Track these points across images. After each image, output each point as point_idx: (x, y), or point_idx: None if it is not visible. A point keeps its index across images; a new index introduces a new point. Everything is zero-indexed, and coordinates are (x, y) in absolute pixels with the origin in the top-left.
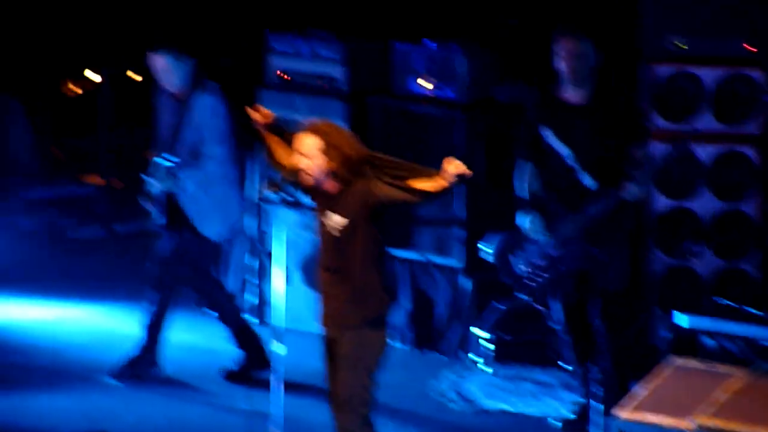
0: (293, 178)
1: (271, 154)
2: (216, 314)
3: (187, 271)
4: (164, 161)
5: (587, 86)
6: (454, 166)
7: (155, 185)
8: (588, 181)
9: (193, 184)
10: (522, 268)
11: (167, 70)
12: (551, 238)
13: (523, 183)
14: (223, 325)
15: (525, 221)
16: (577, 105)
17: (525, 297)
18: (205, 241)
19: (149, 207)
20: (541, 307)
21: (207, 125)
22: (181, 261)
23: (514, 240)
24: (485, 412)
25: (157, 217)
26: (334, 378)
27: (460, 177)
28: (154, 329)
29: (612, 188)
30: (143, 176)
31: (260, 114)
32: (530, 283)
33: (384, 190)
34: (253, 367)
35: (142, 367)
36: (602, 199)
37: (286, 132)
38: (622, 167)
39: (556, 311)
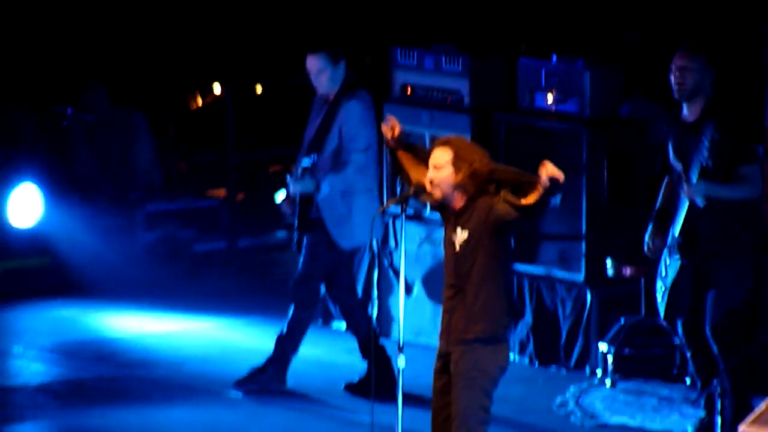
0: (420, 193)
1: (399, 168)
2: (347, 323)
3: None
4: (306, 160)
5: (697, 103)
6: (546, 171)
7: (293, 185)
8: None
9: (330, 187)
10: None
11: (321, 71)
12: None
13: (661, 198)
14: (353, 335)
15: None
16: (689, 122)
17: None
18: (338, 249)
19: (284, 207)
20: (664, 322)
21: (352, 131)
22: (319, 272)
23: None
24: (607, 426)
25: (289, 217)
26: (441, 393)
27: (553, 182)
28: (288, 344)
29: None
30: (286, 177)
31: (390, 125)
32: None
33: (505, 207)
34: (378, 380)
35: (268, 380)
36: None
37: (415, 146)
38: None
39: (679, 327)
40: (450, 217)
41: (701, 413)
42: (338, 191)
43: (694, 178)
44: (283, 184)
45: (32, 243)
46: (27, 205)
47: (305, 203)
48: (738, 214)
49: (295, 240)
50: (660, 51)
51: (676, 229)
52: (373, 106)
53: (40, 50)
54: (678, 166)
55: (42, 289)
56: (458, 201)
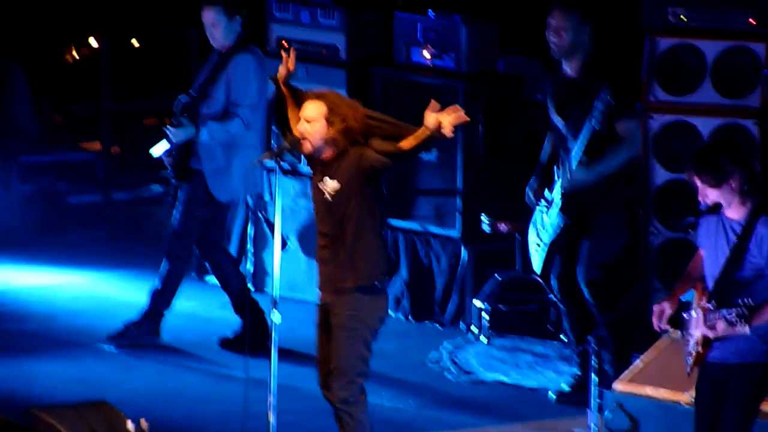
0: (295, 146)
1: (282, 109)
2: (219, 280)
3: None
4: (183, 96)
5: (576, 59)
6: (434, 117)
7: (173, 133)
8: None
9: (210, 135)
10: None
11: (214, 24)
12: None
13: (543, 152)
14: (225, 292)
15: (529, 190)
16: (569, 78)
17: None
18: (214, 202)
19: (165, 159)
20: (540, 279)
21: (241, 86)
22: (193, 227)
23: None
24: (482, 382)
25: (167, 170)
26: (325, 345)
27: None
28: (160, 299)
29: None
30: (165, 127)
31: (289, 55)
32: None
33: (375, 155)
34: (251, 335)
35: (141, 334)
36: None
37: (298, 91)
38: (609, 140)
39: (554, 282)
40: (317, 165)
41: (576, 370)
42: (219, 143)
43: (577, 147)
44: (160, 137)
45: None
46: None
47: (183, 153)
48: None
49: (171, 193)
50: (536, 6)
51: (557, 189)
52: (264, 63)
53: None
54: (560, 122)
55: None
56: (328, 153)
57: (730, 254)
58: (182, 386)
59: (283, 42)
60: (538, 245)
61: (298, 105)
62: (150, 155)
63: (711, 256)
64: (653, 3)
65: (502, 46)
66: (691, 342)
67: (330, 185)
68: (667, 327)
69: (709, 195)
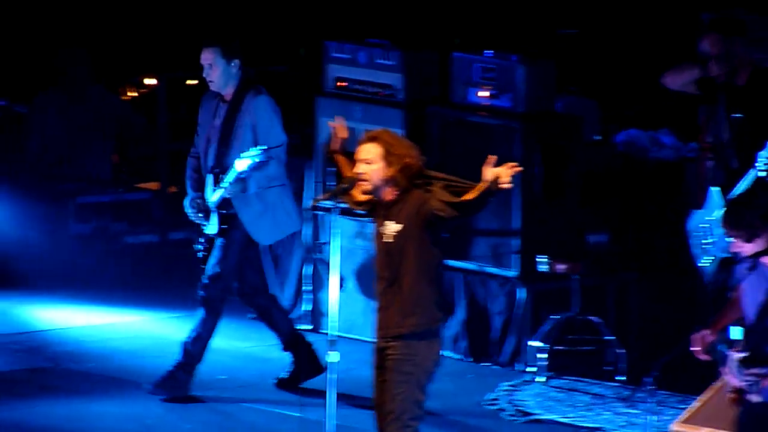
0: (353, 187)
1: (338, 171)
2: (265, 322)
3: (235, 280)
4: (256, 152)
5: (743, 71)
6: (491, 172)
7: (216, 191)
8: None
9: (256, 184)
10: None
11: (213, 65)
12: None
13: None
14: (273, 332)
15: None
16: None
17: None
18: (255, 246)
19: (200, 219)
20: (596, 318)
21: (268, 127)
22: (231, 272)
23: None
24: (539, 423)
25: (211, 227)
26: (382, 389)
27: (496, 183)
28: (196, 351)
29: None
30: (209, 185)
31: (339, 127)
32: None
33: (438, 203)
34: (305, 374)
35: (177, 385)
36: None
37: (350, 153)
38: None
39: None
40: (380, 210)
41: (632, 410)
42: (259, 187)
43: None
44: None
45: None
46: None
47: (220, 206)
48: None
49: (203, 246)
50: (594, 46)
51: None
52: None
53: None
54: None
55: None
56: (388, 194)
57: (764, 302)
58: (239, 426)
59: (331, 125)
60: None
61: (352, 162)
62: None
63: (749, 300)
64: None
65: (559, 86)
66: (728, 381)
67: (390, 228)
68: (707, 356)
69: (745, 248)
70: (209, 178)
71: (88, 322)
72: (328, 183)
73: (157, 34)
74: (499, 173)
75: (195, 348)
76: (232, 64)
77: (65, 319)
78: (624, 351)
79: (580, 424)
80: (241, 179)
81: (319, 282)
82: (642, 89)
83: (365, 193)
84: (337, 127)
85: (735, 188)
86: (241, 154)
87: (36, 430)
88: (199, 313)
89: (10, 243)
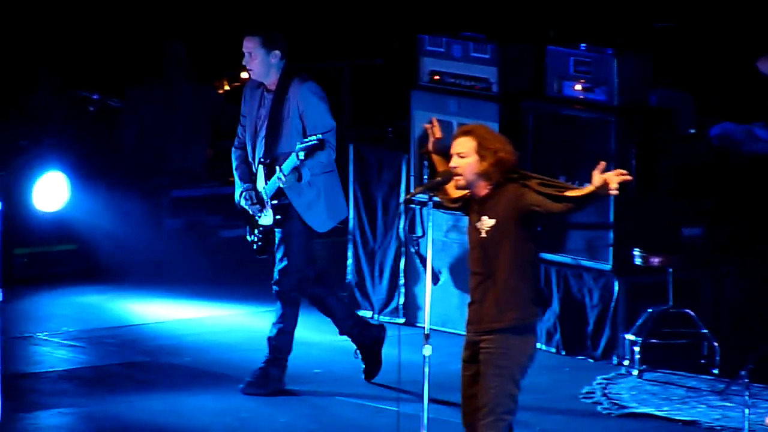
0: (448, 180)
1: (434, 170)
2: (321, 311)
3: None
4: (307, 144)
5: None
6: (600, 177)
7: (274, 183)
8: None
9: (310, 171)
10: None
11: (253, 53)
12: None
13: None
14: (330, 319)
15: None
16: None
17: None
18: (313, 234)
19: (255, 210)
20: (690, 312)
21: (317, 114)
22: (301, 262)
23: None
24: (634, 416)
25: (266, 218)
26: (472, 382)
27: (609, 184)
28: (283, 344)
29: None
30: (261, 176)
31: (435, 129)
32: None
33: (536, 197)
34: (367, 363)
35: (269, 382)
36: None
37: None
38: None
39: None
40: (474, 205)
41: (727, 403)
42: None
43: None
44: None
45: (58, 228)
46: (53, 191)
47: (273, 197)
48: None
49: (257, 238)
50: (689, 39)
51: None
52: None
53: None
54: None
55: (67, 274)
56: (482, 189)
57: None
58: (334, 420)
59: (426, 126)
60: None
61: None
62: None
63: None
64: None
65: (655, 79)
66: None
67: (485, 222)
68: None
69: None
70: (261, 169)
71: (183, 316)
72: (423, 176)
73: (252, 27)
74: (609, 179)
75: (280, 342)
76: (272, 54)
77: (161, 313)
78: (718, 344)
79: (675, 417)
80: (296, 168)
81: (413, 275)
82: (738, 82)
83: (459, 187)
84: (430, 127)
85: None
86: (299, 144)
87: (133, 424)
88: (277, 308)
89: (105, 237)
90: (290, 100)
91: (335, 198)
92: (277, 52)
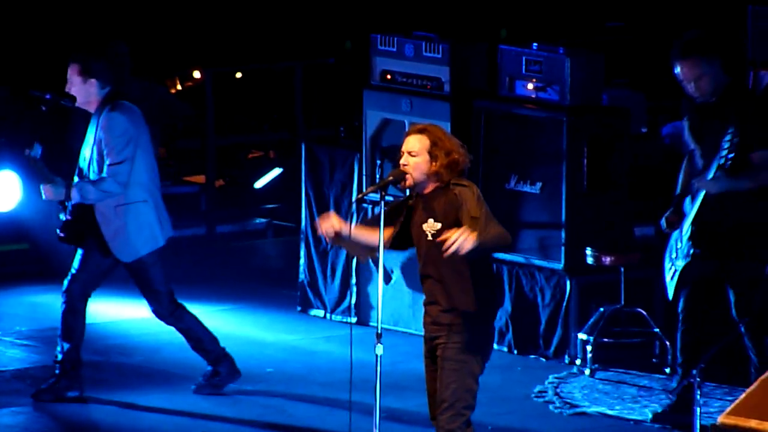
0: (399, 180)
1: (362, 249)
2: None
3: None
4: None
5: (715, 92)
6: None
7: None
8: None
9: (80, 195)
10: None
11: (70, 81)
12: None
13: (679, 182)
14: (62, 338)
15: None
16: (708, 103)
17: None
18: (111, 261)
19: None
20: (642, 311)
21: (111, 143)
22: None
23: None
24: (586, 415)
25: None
26: (434, 378)
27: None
28: (205, 342)
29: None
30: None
31: (328, 228)
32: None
33: (467, 218)
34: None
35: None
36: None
37: (364, 226)
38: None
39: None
40: (419, 205)
41: (678, 402)
42: (110, 205)
43: (712, 169)
44: (263, 171)
45: (11, 228)
46: (6, 190)
47: (78, 215)
48: (756, 207)
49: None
50: (641, 39)
51: (690, 217)
52: (139, 119)
53: (23, 32)
54: (693, 146)
55: (20, 274)
56: (429, 190)
57: None
58: (287, 419)
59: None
60: (672, 274)
61: (369, 226)
62: (253, 188)
63: None
64: (757, 36)
65: (607, 79)
66: None
67: (432, 225)
68: None
69: None
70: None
71: (136, 315)
72: (375, 176)
73: (204, 26)
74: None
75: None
76: (89, 82)
77: (113, 312)
78: (670, 343)
79: (627, 417)
80: (74, 186)
81: (365, 275)
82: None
83: (406, 186)
84: (322, 228)
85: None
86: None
87: (85, 423)
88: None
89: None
90: (99, 128)
91: (141, 229)
92: (93, 80)
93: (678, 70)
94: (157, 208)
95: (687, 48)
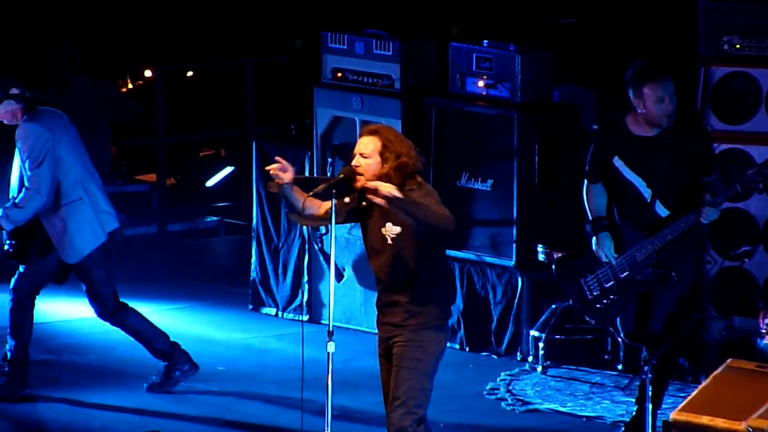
0: (351, 178)
1: (301, 207)
2: (11, 320)
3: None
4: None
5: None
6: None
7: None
8: (662, 209)
9: (7, 218)
10: (594, 293)
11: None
12: (624, 262)
13: (600, 203)
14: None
15: (604, 245)
16: (648, 137)
17: (593, 322)
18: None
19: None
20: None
21: (25, 153)
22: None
23: (587, 263)
24: (538, 412)
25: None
26: (389, 377)
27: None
28: (149, 336)
29: (689, 213)
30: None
31: (282, 169)
32: (600, 307)
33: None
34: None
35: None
36: (679, 224)
37: (311, 178)
38: (695, 193)
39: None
40: (376, 209)
41: (631, 399)
42: (50, 209)
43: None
44: (215, 169)
45: None
46: None
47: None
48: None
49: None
50: (592, 36)
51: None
52: (57, 120)
53: None
54: (636, 180)
55: None
56: None
57: None
58: (239, 417)
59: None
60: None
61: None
62: (204, 186)
63: None
64: (708, 32)
65: (557, 76)
66: None
67: (392, 229)
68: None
69: None
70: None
71: (88, 314)
72: (326, 173)
73: (155, 25)
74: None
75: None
76: (7, 102)
77: (65, 311)
78: (621, 340)
79: (580, 413)
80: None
81: (317, 273)
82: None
83: (357, 187)
84: (276, 168)
85: None
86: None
87: (36, 422)
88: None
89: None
90: (17, 140)
91: (81, 228)
92: (11, 101)
93: (648, 90)
94: (95, 204)
95: (657, 68)
